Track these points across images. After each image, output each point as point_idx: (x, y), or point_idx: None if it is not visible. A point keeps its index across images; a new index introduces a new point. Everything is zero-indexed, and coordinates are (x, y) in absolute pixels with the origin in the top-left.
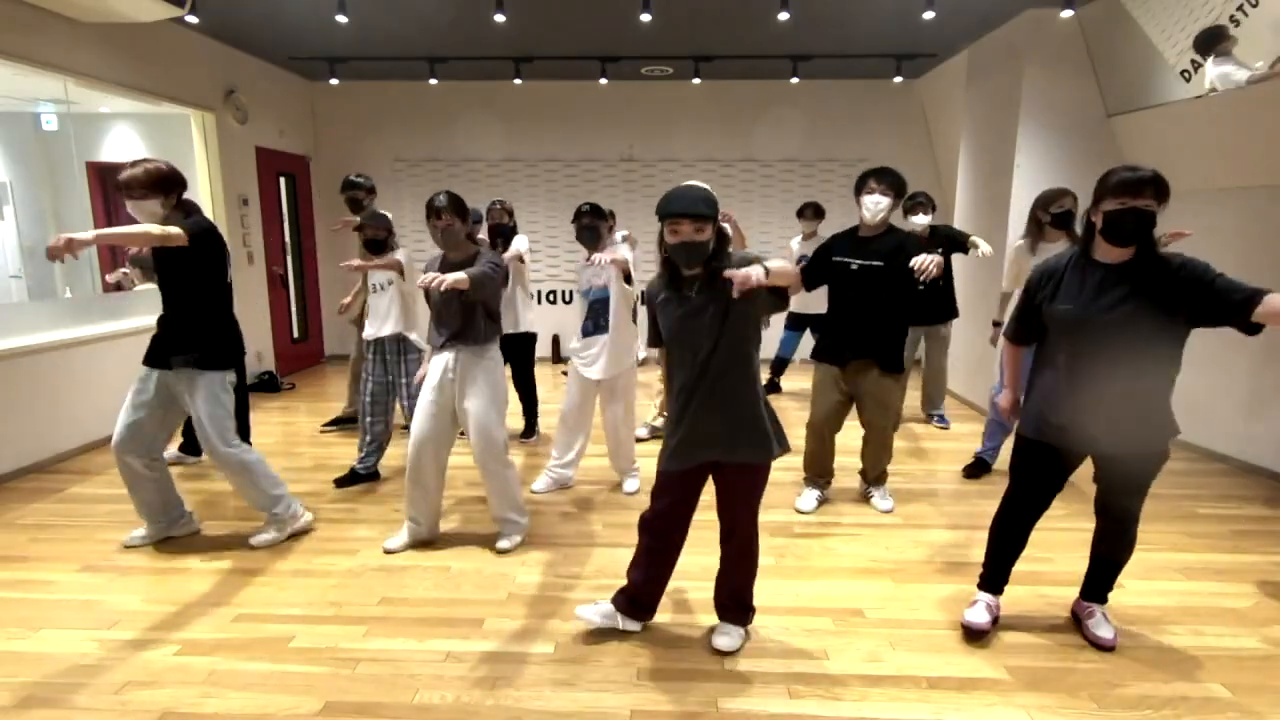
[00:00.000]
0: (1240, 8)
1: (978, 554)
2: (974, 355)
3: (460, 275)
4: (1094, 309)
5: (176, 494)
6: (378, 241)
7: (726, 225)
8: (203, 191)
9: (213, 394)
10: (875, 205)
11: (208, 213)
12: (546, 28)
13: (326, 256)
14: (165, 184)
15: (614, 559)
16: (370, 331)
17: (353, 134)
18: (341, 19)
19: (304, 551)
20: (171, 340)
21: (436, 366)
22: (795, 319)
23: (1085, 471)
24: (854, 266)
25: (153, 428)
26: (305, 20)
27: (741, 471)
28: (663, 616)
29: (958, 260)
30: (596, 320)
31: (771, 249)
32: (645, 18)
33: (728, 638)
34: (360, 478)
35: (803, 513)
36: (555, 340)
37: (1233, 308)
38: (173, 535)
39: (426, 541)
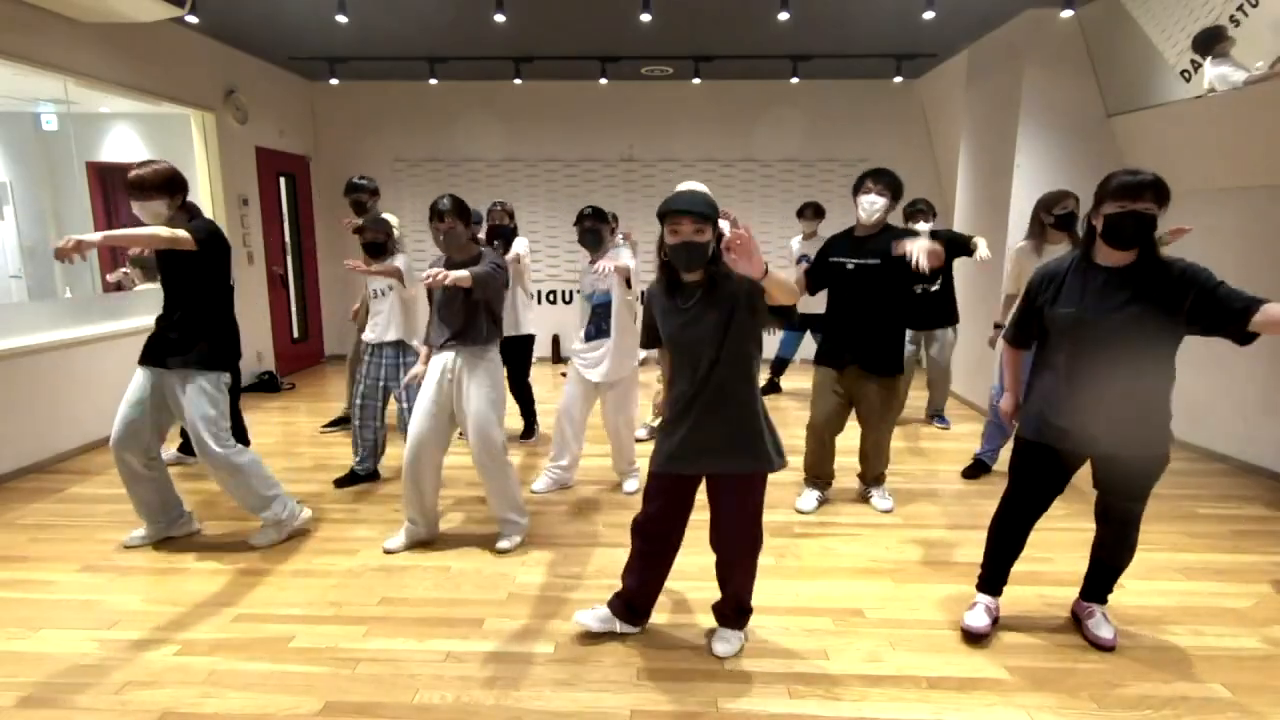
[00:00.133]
0: (1240, 8)
1: (978, 554)
2: (974, 356)
3: (463, 273)
4: (1095, 312)
5: (175, 494)
6: (377, 245)
7: (726, 224)
8: (203, 191)
9: (207, 394)
10: (871, 205)
11: (208, 213)
12: (546, 28)
13: (326, 256)
14: (171, 185)
15: (614, 559)
16: (371, 336)
17: (353, 134)
18: (341, 19)
19: (304, 551)
20: (171, 340)
21: (435, 367)
22: (790, 319)
23: (1085, 471)
24: (850, 266)
25: (149, 426)
26: (305, 20)
27: (740, 480)
28: (662, 617)
29: (958, 262)
30: (600, 324)
31: (771, 249)
32: (645, 18)
33: (726, 644)
34: (360, 478)
35: (803, 513)
36: (555, 340)
37: (1232, 315)
38: (172, 535)
39: (426, 541)
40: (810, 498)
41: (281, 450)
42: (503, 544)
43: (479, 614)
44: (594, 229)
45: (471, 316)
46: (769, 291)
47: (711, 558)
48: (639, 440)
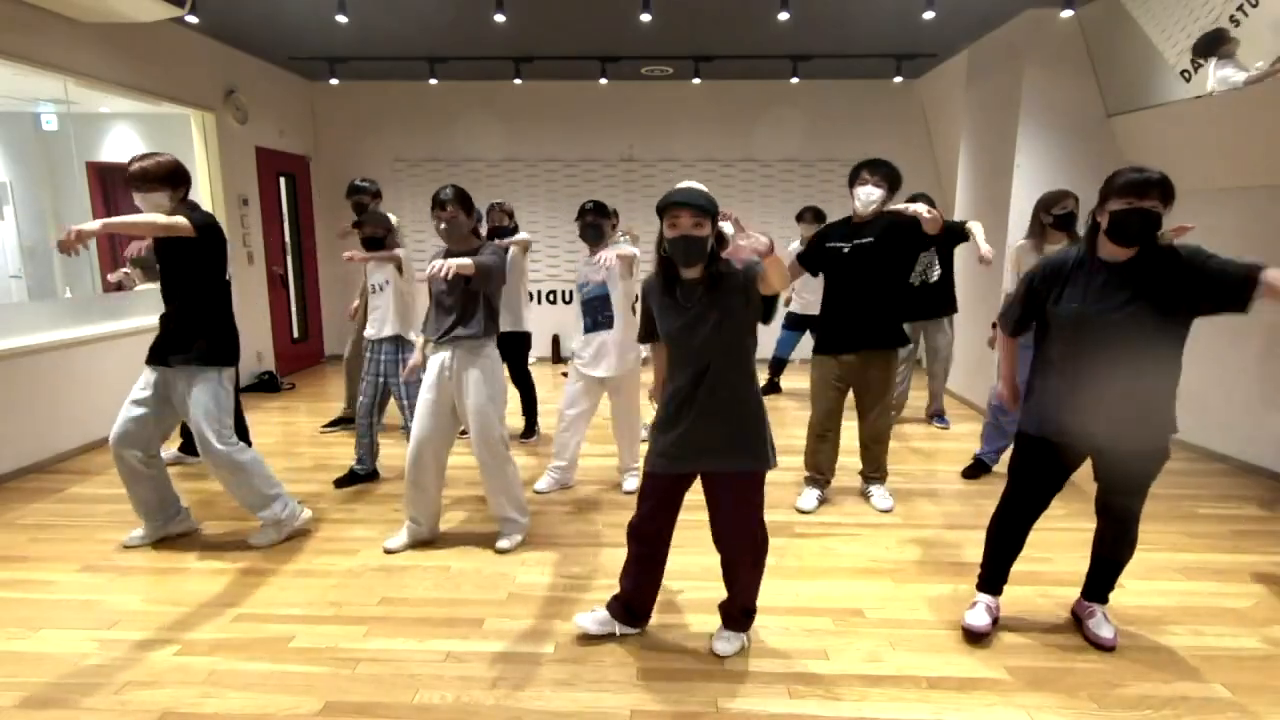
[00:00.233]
0: (1240, 8)
1: (977, 554)
2: (974, 356)
3: (466, 260)
4: (1098, 309)
5: (173, 492)
6: (376, 240)
7: (727, 225)
8: (203, 191)
9: (210, 391)
10: (867, 197)
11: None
12: (546, 28)
13: (326, 256)
14: (174, 177)
15: (614, 559)
16: (370, 332)
17: (353, 134)
18: (341, 19)
19: (304, 551)
20: (171, 338)
21: (434, 364)
22: (794, 319)
23: (1085, 471)
24: (845, 250)
25: (151, 425)
26: (305, 20)
27: (739, 479)
28: (662, 617)
29: (959, 258)
30: (595, 317)
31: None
32: (645, 18)
33: (726, 643)
34: (359, 478)
35: (803, 512)
36: (555, 340)
37: (1231, 287)
38: (170, 533)
39: (426, 541)
40: (811, 497)
41: (281, 450)
42: (503, 544)
43: (479, 614)
44: (595, 224)
45: (470, 309)
46: (767, 276)
47: (713, 557)
48: (642, 441)
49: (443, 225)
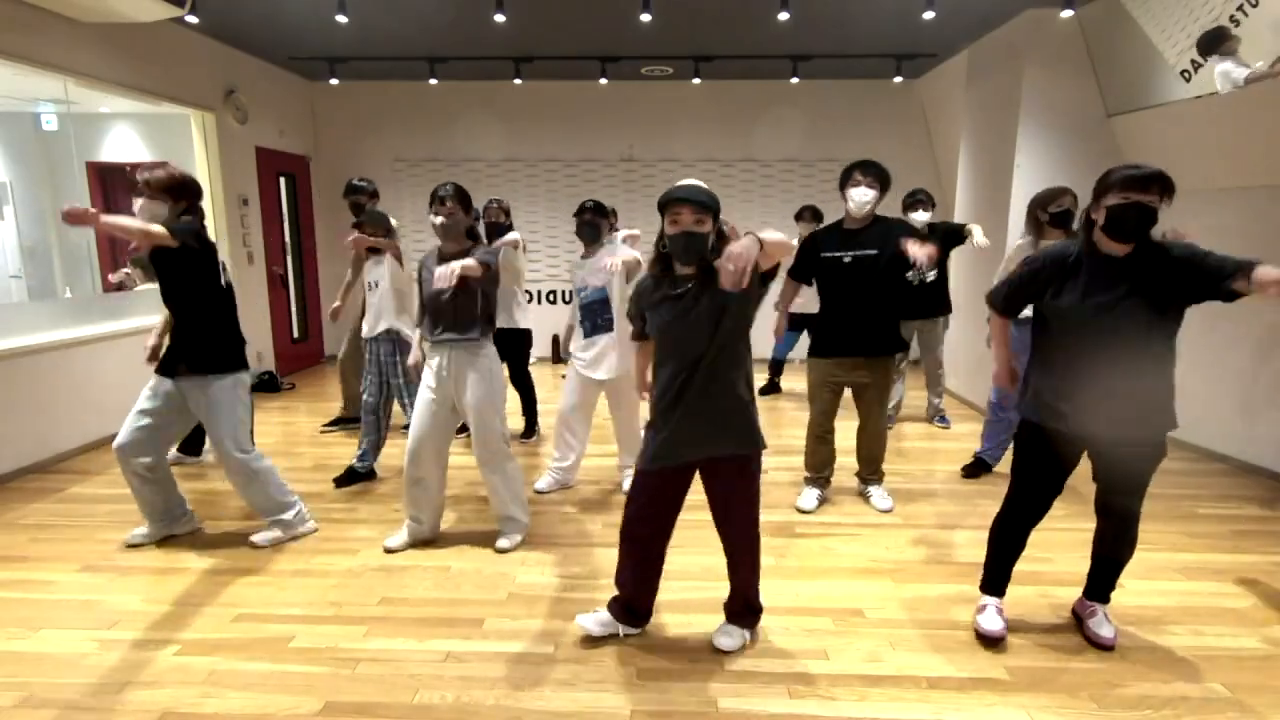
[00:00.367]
0: (1240, 8)
1: (978, 554)
2: (974, 355)
3: (471, 261)
4: (1097, 304)
5: (179, 494)
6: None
7: (727, 225)
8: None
9: (227, 398)
10: (862, 197)
11: (208, 213)
12: (546, 28)
13: (326, 256)
14: (178, 191)
15: (614, 559)
16: (367, 329)
17: (353, 134)
18: (341, 19)
19: (304, 551)
20: (178, 348)
21: (432, 363)
22: (791, 319)
23: (1084, 473)
24: (846, 260)
25: (159, 434)
26: (305, 20)
27: (732, 466)
28: (663, 617)
29: (956, 258)
30: (594, 321)
31: None
32: (645, 18)
33: (729, 638)
34: (358, 476)
35: (803, 512)
36: (555, 340)
37: (1222, 276)
38: (174, 534)
39: (427, 540)
40: (811, 497)
41: (281, 450)
42: (503, 543)
43: (479, 614)
44: (593, 222)
45: (466, 309)
46: (768, 253)
47: (712, 557)
48: None
49: (440, 221)
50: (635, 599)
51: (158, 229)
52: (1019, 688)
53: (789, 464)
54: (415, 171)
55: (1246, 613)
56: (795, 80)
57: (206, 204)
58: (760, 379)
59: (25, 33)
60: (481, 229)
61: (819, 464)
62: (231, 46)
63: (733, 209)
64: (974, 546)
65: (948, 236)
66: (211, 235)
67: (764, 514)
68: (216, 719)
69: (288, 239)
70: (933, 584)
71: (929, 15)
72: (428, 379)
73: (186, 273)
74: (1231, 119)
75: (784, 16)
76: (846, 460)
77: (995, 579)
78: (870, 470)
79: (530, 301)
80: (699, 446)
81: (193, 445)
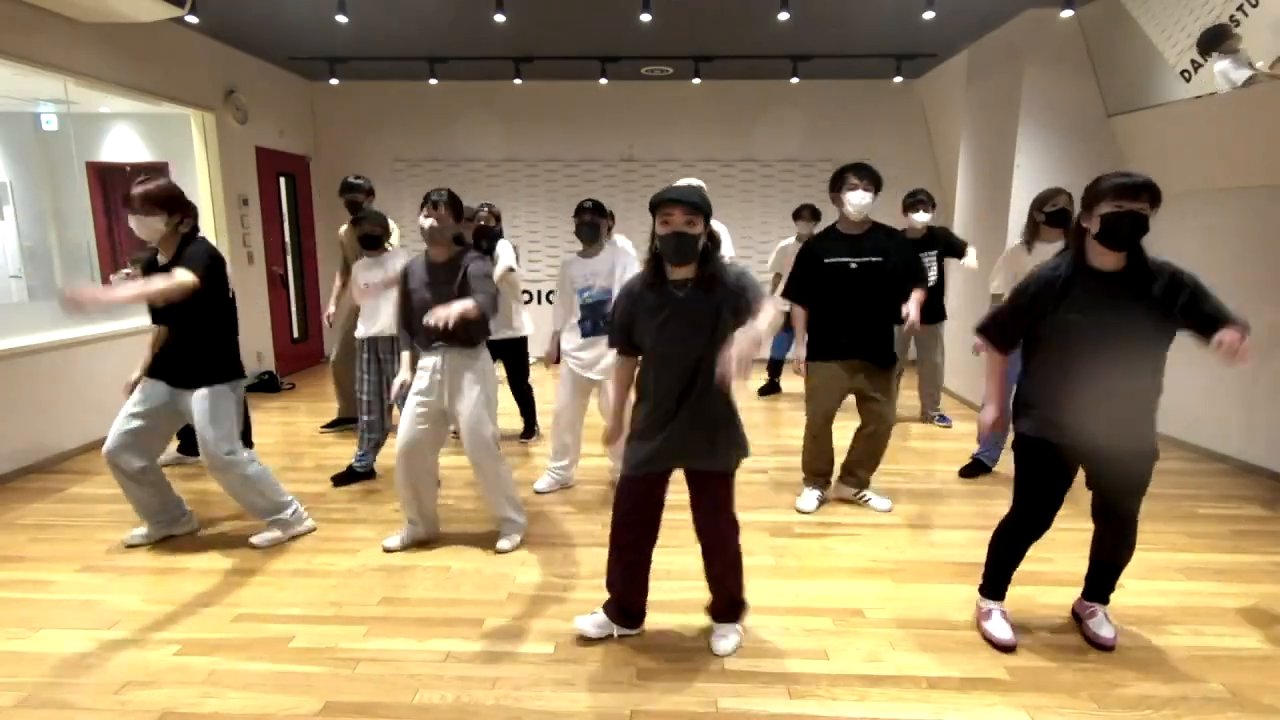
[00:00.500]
0: (1240, 8)
1: (977, 554)
2: (973, 356)
3: (468, 304)
4: (1097, 319)
5: (174, 494)
6: (374, 238)
7: (718, 228)
8: (203, 191)
9: (220, 406)
10: (860, 201)
11: (208, 213)
12: (546, 28)
13: (326, 256)
14: (172, 203)
15: None
16: (362, 330)
17: (353, 134)
18: (341, 19)
19: (304, 551)
20: (179, 361)
21: (424, 369)
22: (786, 320)
23: (1080, 476)
24: (854, 266)
25: (149, 436)
26: (305, 20)
27: (719, 476)
28: (663, 617)
29: (953, 262)
30: (596, 321)
31: (771, 249)
32: (645, 18)
33: (725, 640)
34: (358, 475)
35: (804, 512)
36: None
37: (1213, 327)
38: (173, 534)
39: (426, 541)
40: (811, 497)
41: (281, 450)
42: (502, 544)
43: (479, 614)
44: (593, 223)
45: (460, 324)
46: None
47: None
48: None
49: (430, 224)
50: (628, 601)
51: (187, 279)
52: (1019, 688)
53: (789, 464)
54: (415, 171)
55: (1246, 613)
56: (795, 80)
57: (206, 204)
58: (756, 380)
59: (25, 33)
60: (471, 232)
61: (820, 465)
62: (231, 46)
63: (733, 209)
64: (974, 546)
65: (946, 247)
66: (211, 238)
67: (764, 514)
68: (216, 719)
69: (288, 239)
70: (933, 584)
71: (929, 15)
72: (418, 386)
73: (201, 298)
74: (1231, 119)
75: (784, 16)
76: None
77: (996, 585)
78: (866, 474)
79: (530, 301)
80: (690, 456)
81: (192, 446)
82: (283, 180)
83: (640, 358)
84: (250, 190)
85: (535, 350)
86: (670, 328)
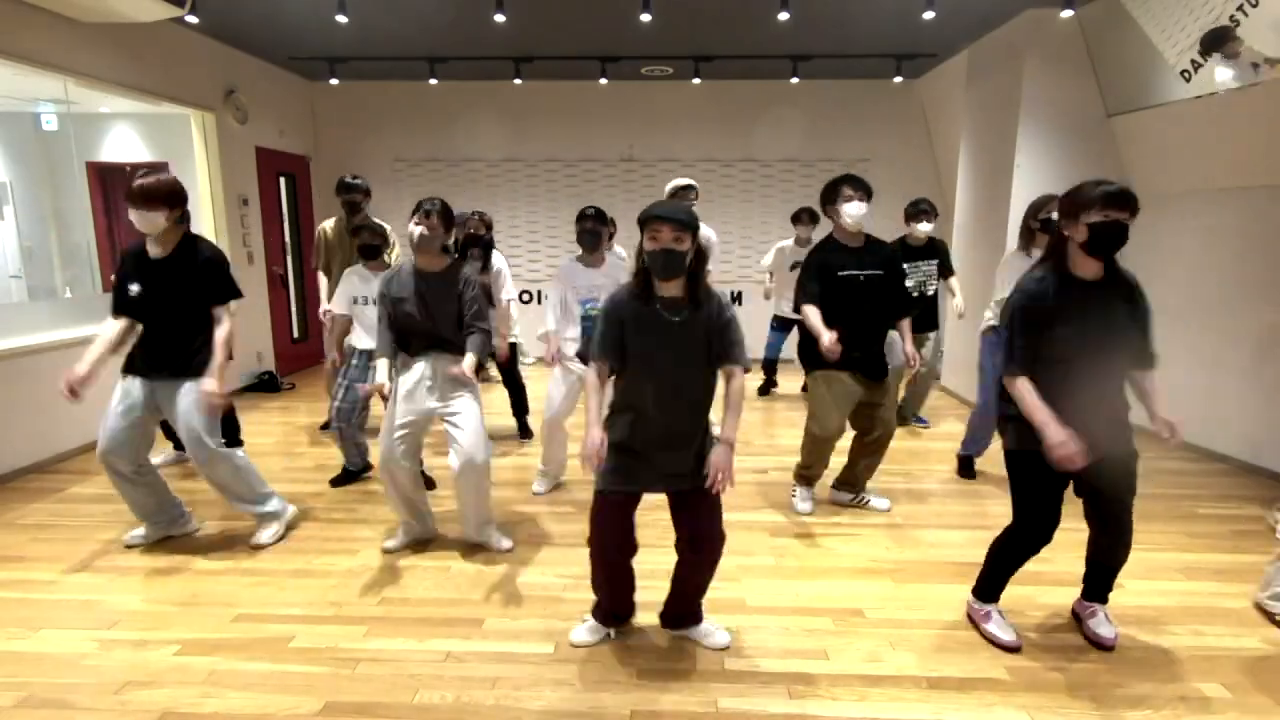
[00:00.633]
0: (1240, 8)
1: (977, 554)
2: (972, 355)
3: (470, 360)
4: (1082, 327)
5: (171, 495)
6: (373, 248)
7: (705, 245)
8: (203, 191)
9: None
10: (858, 211)
11: (208, 213)
12: (546, 28)
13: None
14: (172, 198)
15: None
16: (357, 342)
17: (353, 134)
18: (341, 19)
19: (304, 551)
20: (167, 354)
21: (409, 377)
22: (781, 321)
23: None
24: (862, 278)
25: (138, 435)
26: (305, 20)
27: (707, 493)
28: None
29: (954, 258)
30: None
31: (769, 248)
32: (645, 18)
33: (720, 634)
34: (354, 475)
35: (803, 514)
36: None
37: (1144, 355)
38: (172, 535)
39: (425, 540)
40: (808, 500)
41: (281, 450)
42: (504, 543)
43: (479, 614)
44: (595, 230)
45: (456, 329)
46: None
47: None
48: None
49: (421, 232)
50: (617, 605)
51: (232, 311)
52: (1019, 688)
53: (787, 464)
54: (415, 171)
55: (1246, 613)
56: (795, 80)
57: (206, 204)
58: (754, 379)
59: (25, 33)
60: (460, 238)
61: (818, 472)
62: (231, 46)
63: (732, 209)
64: (974, 546)
65: (944, 262)
66: (211, 238)
67: (764, 514)
68: (216, 719)
69: (288, 239)
70: (933, 584)
71: (929, 15)
72: (403, 392)
73: (212, 287)
74: (1231, 119)
75: (784, 16)
76: (841, 460)
77: (992, 589)
78: (865, 481)
79: (530, 301)
80: (674, 479)
81: None
82: (283, 180)
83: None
84: (250, 190)
85: (536, 350)
86: (660, 352)
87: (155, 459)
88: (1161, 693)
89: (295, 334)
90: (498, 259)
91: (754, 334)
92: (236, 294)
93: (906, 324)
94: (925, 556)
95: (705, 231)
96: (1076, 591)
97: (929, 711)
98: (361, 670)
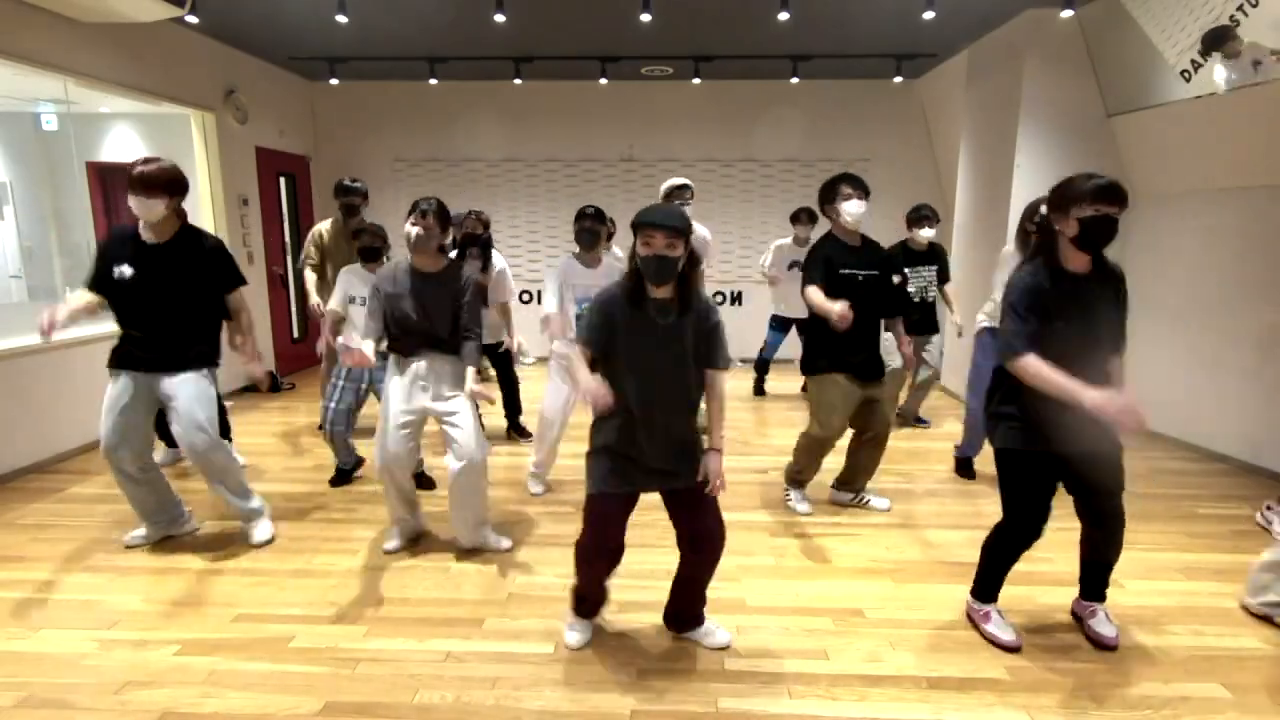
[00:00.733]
0: (1240, 8)
1: (976, 554)
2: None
3: (472, 375)
4: (1081, 322)
5: (173, 494)
6: (374, 250)
7: (698, 248)
8: (203, 191)
9: (204, 387)
10: (858, 210)
11: (208, 213)
12: (546, 28)
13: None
14: (173, 186)
15: None
16: (350, 343)
17: (353, 134)
18: (341, 19)
19: (304, 551)
20: (166, 347)
21: (404, 379)
22: (780, 321)
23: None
24: (860, 278)
25: (140, 429)
26: (305, 20)
27: (703, 485)
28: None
29: (953, 257)
30: None
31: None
32: (645, 18)
33: (721, 632)
34: (348, 474)
35: (801, 514)
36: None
37: (1115, 342)
38: (172, 535)
39: (420, 534)
40: (804, 500)
41: (281, 450)
42: (504, 543)
43: (479, 614)
44: (593, 230)
45: (453, 330)
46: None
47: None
48: None
49: (417, 232)
50: (597, 598)
51: (244, 294)
52: (1019, 688)
53: (784, 465)
54: (415, 171)
55: (1246, 613)
56: (795, 80)
57: (206, 204)
58: (744, 380)
59: (25, 33)
60: (458, 238)
61: (812, 475)
62: (231, 46)
63: (732, 209)
64: (973, 546)
65: (942, 272)
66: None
67: (764, 514)
68: (216, 719)
69: (288, 239)
70: (933, 584)
71: (929, 15)
72: (398, 396)
73: (222, 275)
74: (1231, 119)
75: (784, 16)
76: (836, 461)
77: (988, 589)
78: (865, 480)
79: (530, 301)
80: (669, 478)
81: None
82: (283, 180)
83: (603, 364)
84: (250, 190)
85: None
86: (649, 353)
87: (154, 457)
88: (1161, 693)
89: (295, 334)
90: (498, 259)
91: (754, 333)
92: (243, 280)
93: (900, 324)
94: (925, 556)
95: (700, 231)
96: (1076, 591)
97: (929, 711)
98: (361, 670)
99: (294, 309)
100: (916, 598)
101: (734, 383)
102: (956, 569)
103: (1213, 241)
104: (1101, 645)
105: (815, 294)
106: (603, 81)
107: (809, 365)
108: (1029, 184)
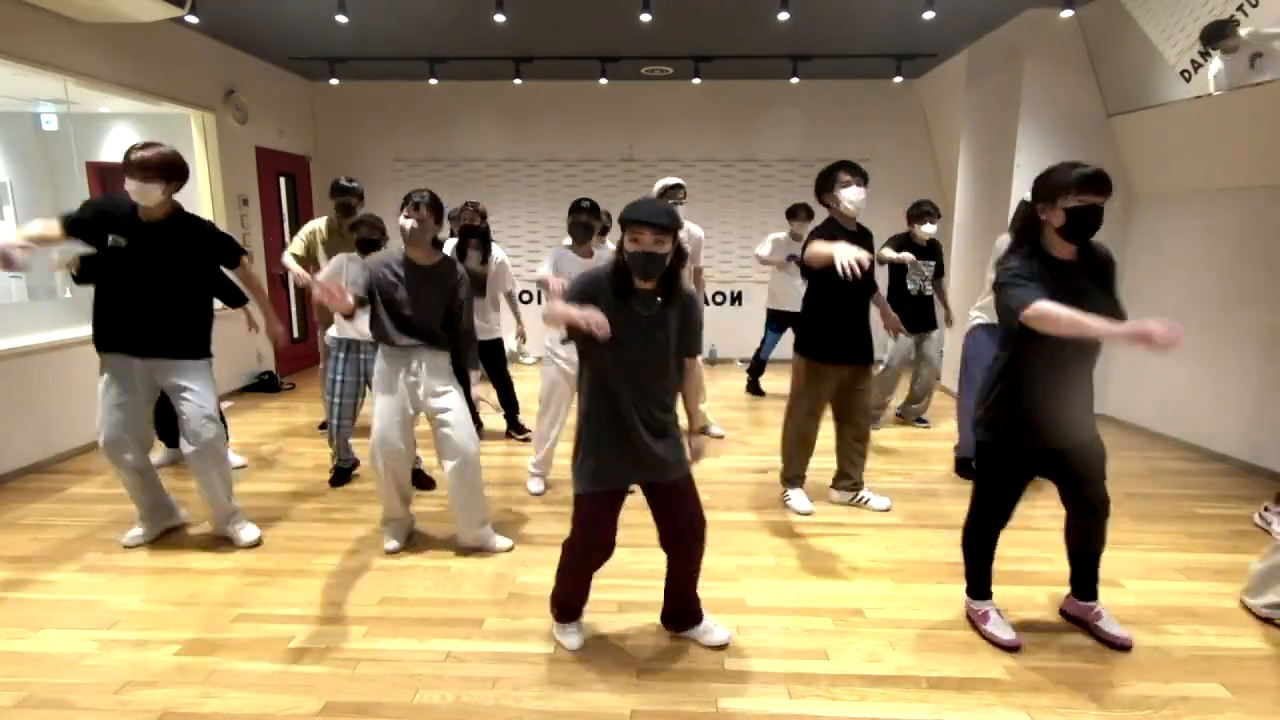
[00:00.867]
0: (1240, 7)
1: None
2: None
3: (475, 377)
4: (1073, 308)
5: (165, 493)
6: (372, 242)
7: (684, 242)
8: (203, 191)
9: (209, 379)
10: (858, 196)
11: (208, 213)
12: (546, 28)
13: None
14: (171, 171)
15: (614, 559)
16: (338, 332)
17: (353, 134)
18: (341, 19)
19: (304, 551)
20: (162, 329)
21: (396, 370)
22: (776, 318)
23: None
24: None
25: (140, 419)
26: (305, 20)
27: (686, 479)
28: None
29: (952, 256)
30: None
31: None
32: (645, 18)
33: (720, 630)
34: (347, 472)
35: (802, 514)
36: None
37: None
38: (168, 527)
39: (414, 531)
40: (803, 499)
41: (281, 450)
42: (503, 542)
43: (479, 614)
44: (587, 223)
45: (447, 324)
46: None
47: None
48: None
49: (411, 225)
50: (581, 601)
51: (247, 261)
52: (1019, 688)
53: (775, 464)
54: (415, 171)
55: (1246, 613)
56: (795, 80)
57: (206, 204)
58: (743, 380)
59: (25, 33)
60: (455, 231)
61: (803, 464)
62: (231, 46)
63: (732, 209)
64: None
65: (938, 268)
66: None
67: (764, 514)
68: (216, 719)
69: (288, 239)
70: (933, 584)
71: (929, 15)
72: (390, 392)
73: (224, 250)
74: (1231, 119)
75: (784, 16)
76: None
77: (980, 583)
78: (859, 473)
79: (530, 301)
80: (653, 470)
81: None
82: (283, 180)
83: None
84: (250, 190)
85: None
86: (635, 346)
87: (153, 457)
88: (1161, 693)
89: (295, 334)
90: (498, 250)
91: (754, 333)
92: (243, 250)
93: (879, 296)
94: (925, 556)
95: (692, 230)
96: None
97: (929, 711)
98: (361, 670)
99: (294, 309)
100: (916, 598)
101: (733, 383)
102: (956, 569)
103: (1213, 241)
104: (1117, 646)
105: (820, 245)
106: (603, 81)
107: (804, 349)
108: (1029, 184)
